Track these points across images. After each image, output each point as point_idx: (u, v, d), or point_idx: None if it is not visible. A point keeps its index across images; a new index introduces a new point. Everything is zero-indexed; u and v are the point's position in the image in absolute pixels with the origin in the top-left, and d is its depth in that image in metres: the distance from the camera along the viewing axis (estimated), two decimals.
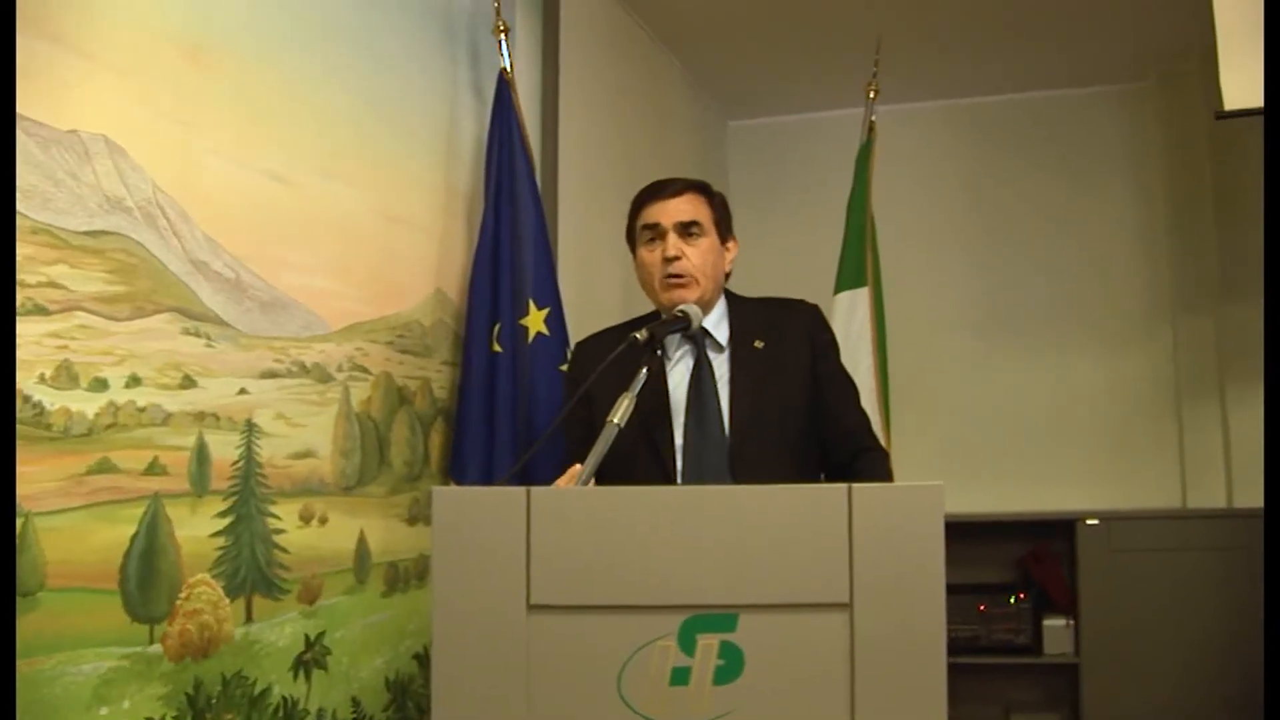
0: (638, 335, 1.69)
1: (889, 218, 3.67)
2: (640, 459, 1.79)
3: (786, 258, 4.34)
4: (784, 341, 1.92)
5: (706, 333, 1.92)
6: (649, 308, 2.04)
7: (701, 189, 1.99)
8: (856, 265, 3.21)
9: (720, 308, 1.98)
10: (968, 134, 4.19)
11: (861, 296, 3.16)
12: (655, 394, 1.83)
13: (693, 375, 1.89)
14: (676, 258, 1.88)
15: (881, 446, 1.96)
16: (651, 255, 1.91)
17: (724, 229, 2.01)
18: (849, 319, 3.16)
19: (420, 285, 2.27)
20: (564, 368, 2.21)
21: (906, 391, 3.67)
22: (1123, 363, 3.92)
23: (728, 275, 2.03)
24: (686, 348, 1.93)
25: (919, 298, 4.12)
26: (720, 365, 1.90)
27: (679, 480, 1.80)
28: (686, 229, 1.92)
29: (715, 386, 1.88)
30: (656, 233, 1.92)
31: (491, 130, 2.41)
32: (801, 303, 2.00)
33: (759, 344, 1.90)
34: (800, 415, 1.88)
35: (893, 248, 3.64)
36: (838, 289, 3.22)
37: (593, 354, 1.90)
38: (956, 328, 4.12)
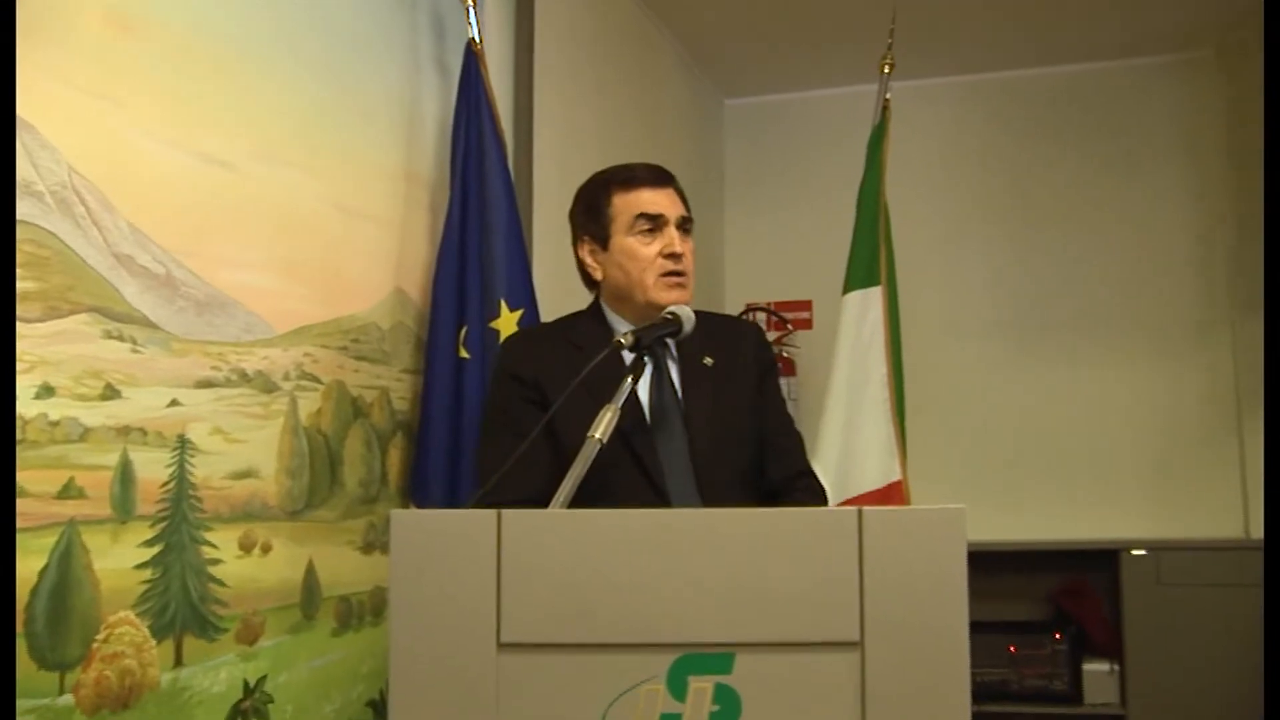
0: (621, 339, 1.69)
1: (905, 208, 3.69)
2: (623, 474, 1.80)
3: (788, 251, 4.37)
4: (732, 360, 1.96)
5: (665, 344, 1.91)
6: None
7: (678, 183, 2.01)
8: (868, 261, 3.23)
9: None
10: (995, 113, 4.23)
11: (874, 297, 3.18)
12: (632, 404, 1.83)
13: (653, 388, 1.90)
14: (681, 254, 1.91)
15: (812, 469, 2.02)
16: (649, 248, 1.92)
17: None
18: (860, 321, 3.18)
19: (377, 283, 2.27)
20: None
21: (924, 403, 3.69)
22: (1174, 372, 3.91)
23: None
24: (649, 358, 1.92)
25: (938, 298, 4.15)
26: (674, 375, 1.92)
27: (671, 499, 1.81)
28: (682, 225, 1.94)
29: (678, 400, 1.90)
30: (656, 224, 1.93)
31: (458, 109, 2.42)
32: (746, 322, 2.09)
33: (708, 360, 1.94)
34: (748, 438, 1.93)
35: (909, 242, 3.66)
36: (847, 288, 3.23)
37: (537, 356, 1.90)
38: (981, 332, 4.15)
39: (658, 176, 1.97)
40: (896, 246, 3.35)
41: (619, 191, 1.95)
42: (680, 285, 1.91)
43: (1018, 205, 4.18)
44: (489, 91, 2.42)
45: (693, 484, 1.83)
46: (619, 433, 1.62)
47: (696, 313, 1.87)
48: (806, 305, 4.35)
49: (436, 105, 2.49)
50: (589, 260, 1.97)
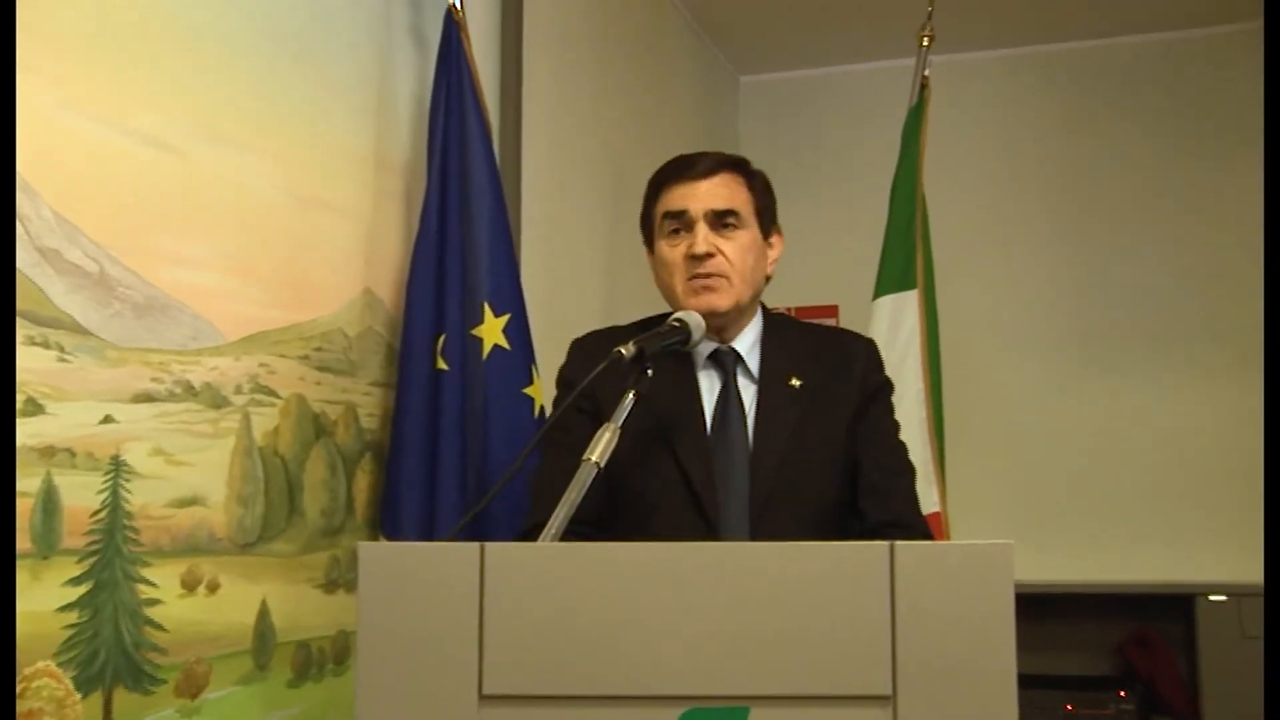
0: (623, 350, 1.71)
1: (945, 201, 3.72)
2: (673, 503, 1.85)
3: (810, 250, 4.37)
4: (828, 382, 1.97)
5: (739, 357, 1.97)
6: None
7: (739, 168, 2.03)
8: (903, 262, 3.25)
9: (755, 326, 2.02)
10: (1049, 92, 4.25)
11: (909, 302, 3.20)
12: (689, 418, 1.90)
13: (717, 408, 1.93)
14: (708, 254, 1.93)
15: (927, 529, 2.02)
16: (674, 251, 1.96)
17: (767, 220, 2.05)
18: (893, 331, 3.19)
19: (343, 284, 2.29)
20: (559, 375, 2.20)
21: (966, 425, 3.71)
22: (1258, 392, 3.91)
23: (767, 280, 2.07)
24: (712, 371, 1.98)
25: (983, 304, 4.17)
26: (746, 400, 1.95)
27: (720, 531, 1.84)
28: (721, 219, 1.96)
29: (745, 426, 1.92)
30: (681, 222, 1.96)
31: (436, 85, 2.44)
32: (858, 337, 2.08)
33: (795, 381, 1.95)
34: (834, 478, 1.93)
35: (950, 240, 3.69)
36: (879, 292, 3.25)
37: (595, 361, 1.90)
38: (1032, 342, 4.17)
39: (683, 167, 1.99)
40: (935, 244, 3.37)
41: (651, 192, 2.03)
42: (710, 289, 1.93)
43: (1076, 197, 4.20)
44: (472, 65, 2.44)
45: (746, 522, 1.86)
46: (672, 455, 1.69)
47: (793, 322, 1.91)
48: (831, 311, 4.37)
49: (412, 80, 2.51)
50: (650, 265, 2.05)
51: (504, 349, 2.34)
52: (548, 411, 2.33)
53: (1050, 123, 4.25)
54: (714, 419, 1.93)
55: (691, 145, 4.06)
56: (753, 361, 1.99)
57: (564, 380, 2.01)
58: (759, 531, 1.85)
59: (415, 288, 2.36)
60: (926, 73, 3.33)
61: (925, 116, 3.33)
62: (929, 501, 3.11)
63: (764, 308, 2.08)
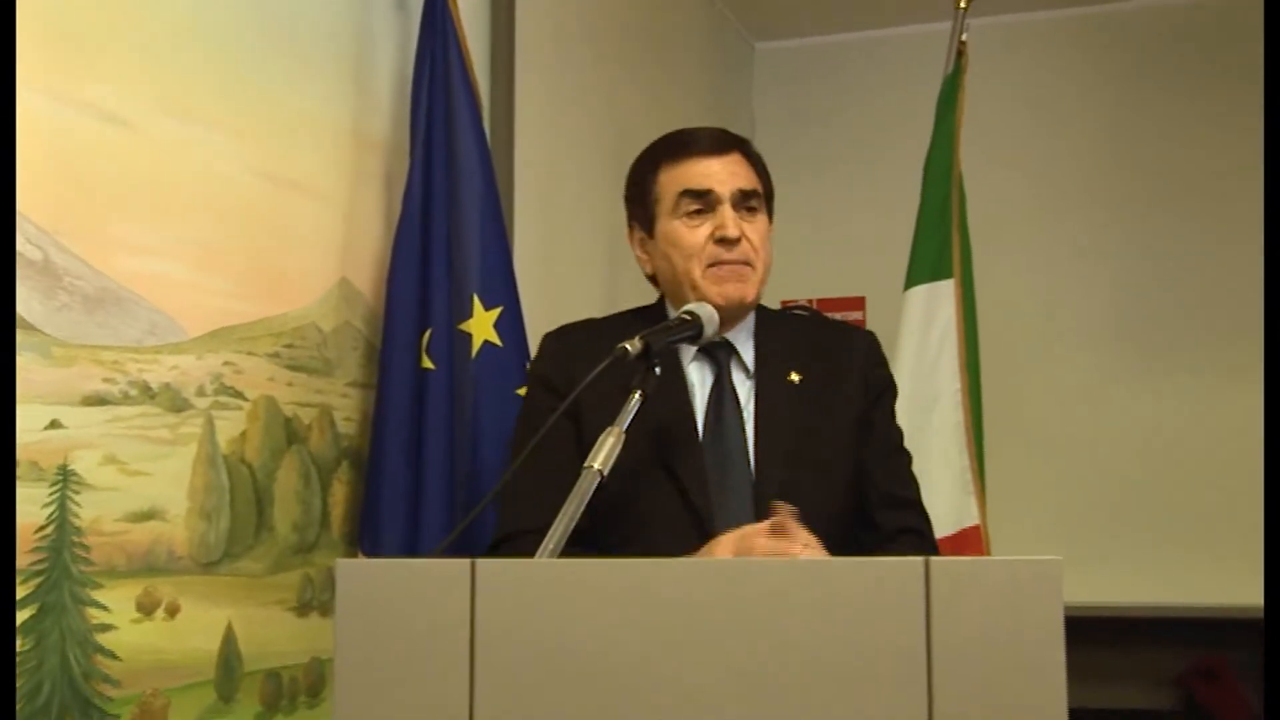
0: (628, 346, 1.71)
1: (984, 181, 3.71)
2: (665, 513, 1.85)
3: (834, 235, 4.39)
4: (829, 378, 1.99)
5: (733, 350, 1.98)
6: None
7: (746, 147, 2.05)
8: (938, 248, 3.25)
9: (749, 318, 2.03)
10: (1101, 58, 4.25)
11: (944, 293, 3.20)
12: (679, 417, 1.90)
13: (710, 405, 1.94)
14: (739, 238, 1.94)
15: (933, 535, 2.05)
16: (696, 233, 1.96)
17: (771, 205, 2.08)
18: (926, 324, 3.19)
19: (318, 274, 2.29)
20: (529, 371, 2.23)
21: (1008, 429, 3.71)
22: None
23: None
24: (704, 364, 1.98)
25: (1026, 294, 4.16)
26: (743, 394, 1.96)
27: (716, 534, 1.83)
28: (746, 200, 1.98)
29: (743, 425, 1.93)
30: (707, 203, 1.96)
31: (420, 54, 2.44)
32: (859, 331, 2.12)
33: (795, 376, 1.97)
34: (842, 482, 1.95)
35: (990, 224, 3.69)
36: (911, 281, 3.25)
37: (573, 357, 1.95)
38: (1082, 337, 4.17)
39: (715, 142, 2.01)
40: (973, 229, 3.36)
41: (667, 165, 2.01)
42: (738, 277, 1.94)
43: (1130, 174, 4.20)
44: (459, 31, 2.44)
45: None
46: (660, 459, 1.68)
47: (786, 314, 1.91)
48: (858, 303, 4.37)
49: (393, 49, 2.52)
50: (638, 251, 2.05)
51: (495, 346, 2.35)
52: None
53: (1101, 93, 4.24)
54: (706, 418, 1.93)
55: (702, 119, 4.05)
56: (747, 355, 1.99)
57: (538, 377, 2.02)
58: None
59: (397, 278, 2.36)
60: (964, 37, 3.33)
61: (962, 86, 3.33)
62: (967, 514, 3.12)
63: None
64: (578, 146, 3.24)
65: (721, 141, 2.01)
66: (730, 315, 1.96)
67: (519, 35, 2.89)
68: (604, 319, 2.10)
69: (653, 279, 2.07)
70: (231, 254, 2.09)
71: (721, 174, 1.97)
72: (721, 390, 1.95)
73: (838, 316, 4.37)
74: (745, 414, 1.95)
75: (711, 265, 1.94)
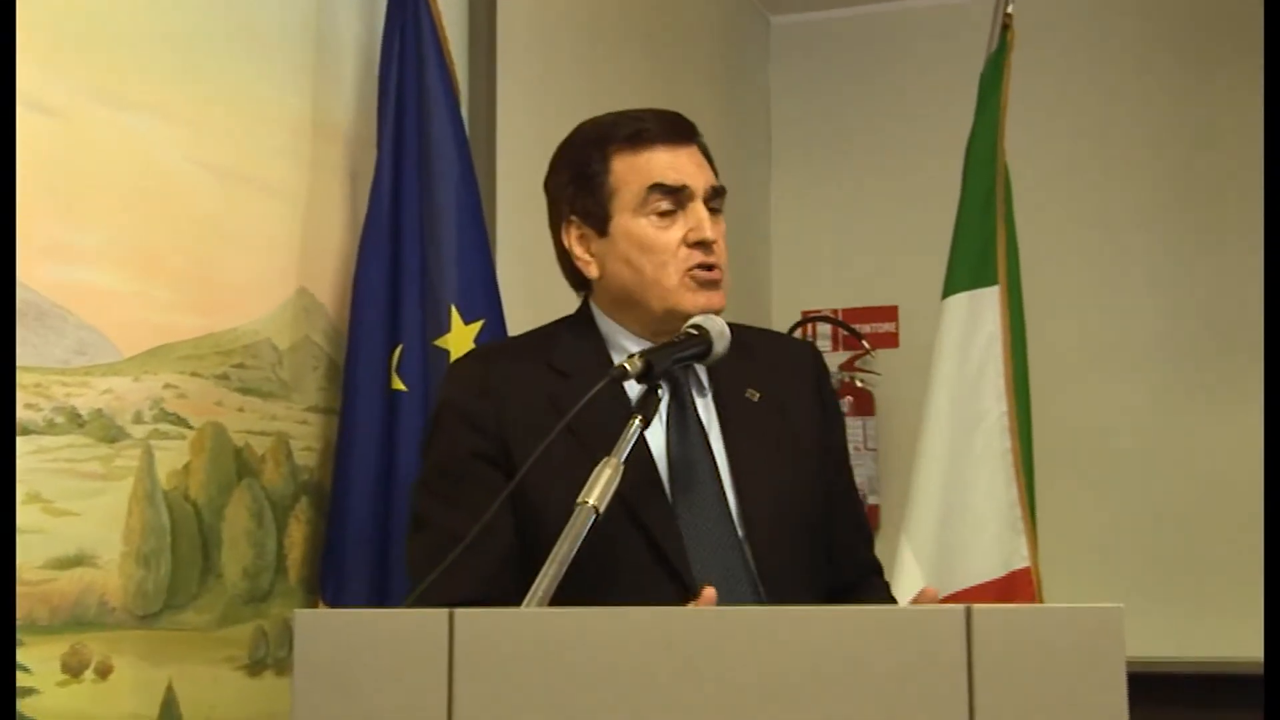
0: (627, 365, 1.71)
1: (1033, 174, 3.71)
2: (628, 560, 1.81)
3: (861, 235, 4.38)
4: (786, 395, 2.00)
5: (688, 365, 1.92)
6: None
7: (702, 139, 2.04)
8: (980, 251, 3.24)
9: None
10: (1168, 29, 4.24)
11: (989, 302, 3.20)
12: (637, 448, 1.76)
13: (671, 422, 1.92)
14: (714, 241, 1.94)
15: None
16: (668, 235, 1.94)
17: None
18: (966, 339, 3.19)
19: (272, 282, 2.29)
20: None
21: (1060, 457, 3.71)
22: None
23: None
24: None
25: (1082, 305, 4.16)
26: (703, 414, 1.95)
27: (691, 584, 1.82)
28: (715, 197, 1.98)
29: (709, 451, 1.92)
30: (678, 200, 1.95)
31: (389, 35, 2.44)
32: (797, 340, 2.14)
33: (754, 394, 1.98)
34: (812, 510, 1.97)
35: (1039, 224, 3.68)
36: (950, 289, 3.25)
37: (499, 387, 1.92)
38: (1146, 354, 4.15)
39: (677, 129, 1.99)
40: (1021, 230, 3.36)
41: (622, 152, 1.97)
42: (714, 285, 1.93)
43: (1202, 167, 4.19)
44: (433, 7, 2.45)
45: (742, 572, 1.85)
46: (619, 499, 1.61)
47: (733, 327, 1.89)
48: (890, 313, 4.37)
49: (358, 27, 2.52)
50: (579, 250, 1.99)
51: None
52: None
53: (1166, 72, 4.24)
54: (669, 439, 1.91)
55: (712, 102, 4.09)
56: (700, 371, 1.97)
57: (456, 411, 1.92)
58: (766, 581, 1.85)
59: (364, 287, 2.36)
60: (1010, 9, 3.33)
61: (1007, 65, 3.32)
62: (1016, 555, 3.11)
63: None
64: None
65: (681, 129, 1.99)
66: (672, 327, 1.91)
67: (501, 9, 2.89)
68: (522, 337, 2.07)
69: (582, 282, 2.02)
70: (173, 259, 2.09)
71: (689, 167, 1.96)
72: (683, 412, 1.93)
73: (867, 329, 4.38)
74: (712, 437, 1.93)
75: (691, 271, 1.92)
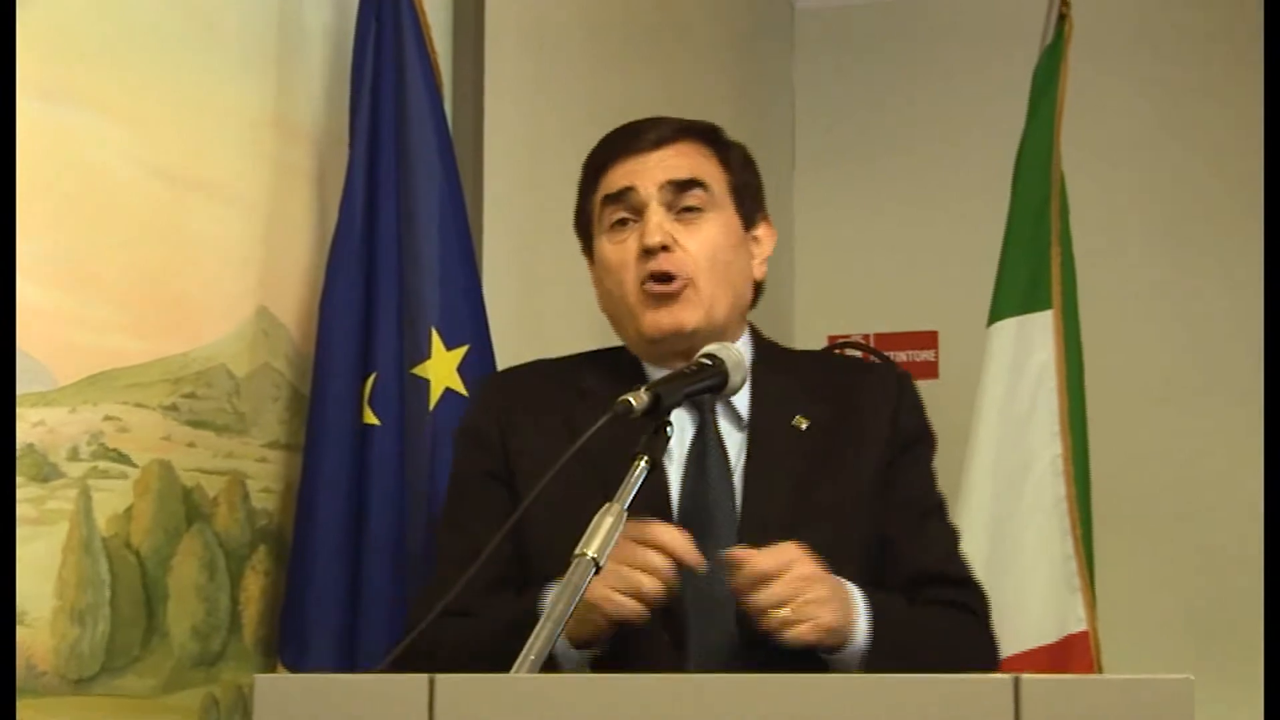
0: (631, 399, 1.71)
1: (1091, 185, 3.71)
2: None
3: (896, 252, 4.39)
4: (845, 422, 1.99)
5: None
6: None
7: (708, 135, 2.05)
8: (1031, 272, 3.25)
9: (743, 352, 2.01)
10: (1249, 17, 4.26)
11: (1040, 328, 3.20)
12: (650, 491, 1.80)
13: (691, 462, 1.93)
14: (662, 245, 1.93)
15: (979, 585, 2.04)
16: (621, 249, 1.97)
17: (749, 202, 2.07)
18: (1016, 369, 3.19)
19: (229, 301, 2.29)
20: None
21: (1123, 507, 3.70)
22: None
23: (759, 288, 2.09)
24: (684, 411, 1.94)
25: (1148, 334, 4.16)
26: (733, 451, 1.96)
27: (690, 651, 1.83)
28: (680, 196, 1.97)
29: (731, 491, 1.93)
30: (628, 207, 1.97)
31: (362, 23, 2.45)
32: (884, 366, 2.11)
33: (802, 422, 1.97)
34: (858, 549, 1.94)
35: (1099, 241, 3.68)
36: (998, 314, 3.25)
37: (515, 407, 1.98)
38: (1222, 389, 4.16)
39: (630, 136, 2.01)
40: (1079, 247, 3.36)
41: (596, 173, 2.03)
42: (669, 298, 1.93)
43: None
44: None
45: (730, 622, 1.83)
46: None
47: (794, 352, 1.90)
48: (929, 339, 4.38)
49: (328, 13, 2.53)
50: (594, 282, 2.08)
51: (459, 395, 2.35)
52: None
53: (1248, 69, 4.26)
54: (685, 482, 1.92)
55: (728, 98, 4.10)
56: (740, 400, 1.98)
57: (465, 429, 2.04)
58: (760, 650, 1.81)
59: (332, 307, 2.37)
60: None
61: (1064, 60, 3.32)
62: (1072, 617, 3.11)
63: (752, 328, 2.09)
64: (567, 139, 3.25)
65: (668, 131, 2.01)
66: (681, 347, 1.93)
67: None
68: (557, 361, 2.11)
69: None
70: (116, 275, 2.09)
71: (644, 168, 1.97)
72: (705, 446, 1.94)
73: (902, 357, 4.38)
74: (735, 474, 1.94)
75: (641, 286, 1.94)
